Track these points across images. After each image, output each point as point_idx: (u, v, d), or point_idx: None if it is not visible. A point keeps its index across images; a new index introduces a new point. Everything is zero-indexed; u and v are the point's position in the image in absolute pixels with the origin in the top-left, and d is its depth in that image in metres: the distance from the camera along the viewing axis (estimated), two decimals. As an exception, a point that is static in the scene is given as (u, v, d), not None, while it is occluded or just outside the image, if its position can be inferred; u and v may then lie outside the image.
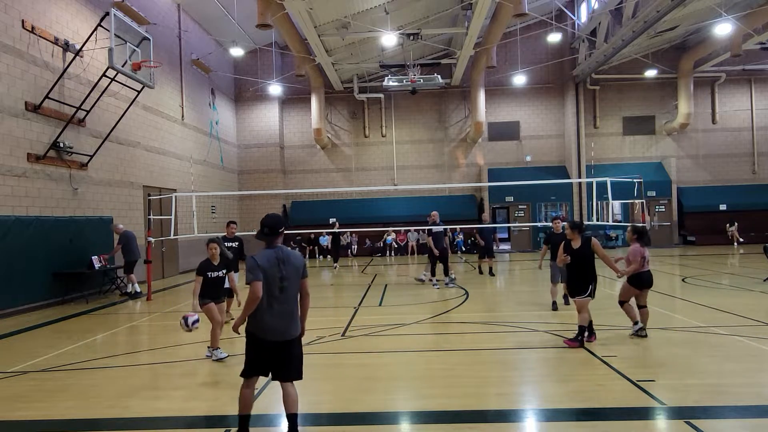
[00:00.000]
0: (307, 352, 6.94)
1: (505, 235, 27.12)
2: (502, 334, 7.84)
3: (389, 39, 18.77)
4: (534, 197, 24.35)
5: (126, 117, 14.13)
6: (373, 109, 25.58)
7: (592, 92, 25.02)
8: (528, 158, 25.34)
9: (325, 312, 10.05)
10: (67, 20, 12.66)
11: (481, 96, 23.37)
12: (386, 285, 13.63)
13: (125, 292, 12.83)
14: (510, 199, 24.61)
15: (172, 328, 9.29)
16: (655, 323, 7.96)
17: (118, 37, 11.57)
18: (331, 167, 25.69)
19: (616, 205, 23.30)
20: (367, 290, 12.84)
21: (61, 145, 12.03)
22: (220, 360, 6.61)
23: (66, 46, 12.44)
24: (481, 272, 15.29)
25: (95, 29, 12.28)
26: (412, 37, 18.80)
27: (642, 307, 7.23)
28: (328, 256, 21.59)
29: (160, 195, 14.90)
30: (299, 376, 4.19)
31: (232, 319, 8.43)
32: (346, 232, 23.36)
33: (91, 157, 13.09)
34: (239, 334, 4.35)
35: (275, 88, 23.67)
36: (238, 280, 7.86)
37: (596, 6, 21.04)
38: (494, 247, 16.27)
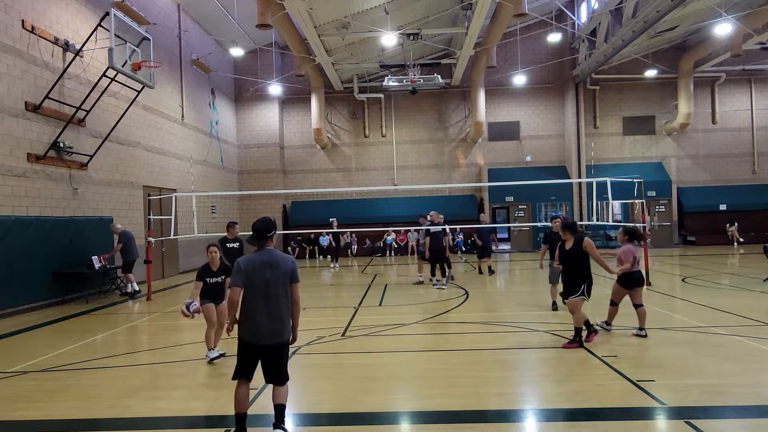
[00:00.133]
0: (307, 352, 6.96)
1: (505, 235, 27.14)
2: (502, 334, 7.84)
3: (389, 39, 18.77)
4: (534, 197, 24.35)
5: (126, 117, 14.13)
6: (373, 109, 25.58)
7: (592, 92, 25.02)
8: (528, 158, 25.34)
9: (325, 312, 10.05)
10: (67, 20, 12.67)
11: (481, 96, 23.37)
12: (386, 285, 13.62)
13: (125, 292, 12.84)
14: (510, 199, 24.61)
15: (172, 328, 9.30)
16: (655, 323, 7.96)
17: (118, 37, 11.57)
18: (331, 167, 25.69)
19: (616, 205, 23.31)
20: (367, 290, 12.83)
21: (61, 145, 12.03)
22: (211, 362, 6.49)
23: (66, 46, 12.44)
24: (480, 272, 15.32)
25: (95, 29, 12.28)
26: (412, 37, 18.80)
27: (638, 306, 7.25)
28: (328, 256, 21.59)
29: (160, 195, 14.91)
30: (285, 379, 4.27)
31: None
32: (346, 232, 23.37)
33: (91, 157, 13.09)
34: (229, 335, 4.40)
35: (275, 88, 23.68)
36: None
37: (596, 6, 21.04)
38: (493, 247, 16.29)
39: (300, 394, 5.32)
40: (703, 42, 22.80)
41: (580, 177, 23.87)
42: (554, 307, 9.41)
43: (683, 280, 13.07)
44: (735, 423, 4.43)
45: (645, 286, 11.55)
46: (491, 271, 15.13)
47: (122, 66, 11.82)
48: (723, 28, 18.29)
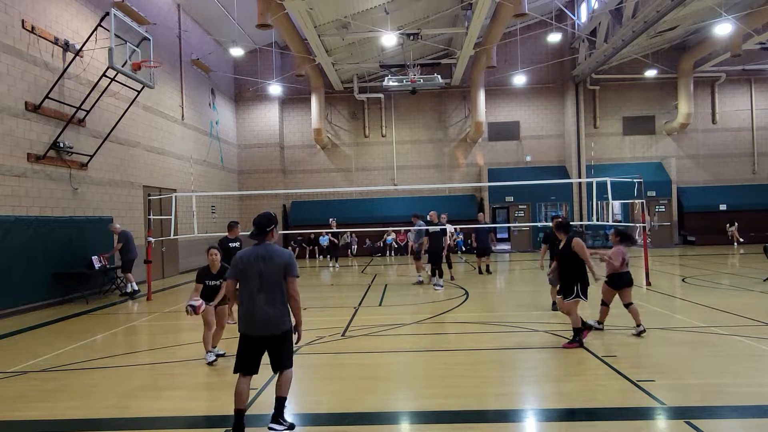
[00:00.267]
0: (307, 352, 6.96)
1: (505, 235, 27.13)
2: (501, 335, 7.84)
3: (389, 39, 18.77)
4: (534, 197, 24.34)
5: (126, 117, 14.13)
6: (373, 109, 25.58)
7: (592, 92, 25.02)
8: (528, 158, 25.34)
9: (325, 312, 10.05)
10: (67, 20, 12.67)
11: (481, 96, 23.37)
12: (386, 285, 13.62)
13: (125, 292, 12.84)
14: (510, 199, 24.61)
15: (172, 328, 9.30)
16: (655, 323, 7.98)
17: (118, 37, 11.57)
18: (331, 167, 25.69)
19: (616, 205, 23.31)
20: (367, 290, 12.83)
21: (61, 145, 12.03)
22: (210, 364, 6.47)
23: (66, 46, 12.44)
24: (480, 272, 15.37)
25: (95, 29, 12.28)
26: (412, 37, 18.80)
27: (629, 305, 7.33)
28: (328, 256, 21.61)
29: (160, 195, 14.91)
30: (289, 365, 4.36)
31: (234, 322, 8.39)
32: (346, 232, 23.36)
33: (91, 157, 13.09)
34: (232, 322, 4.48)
35: (275, 88, 23.68)
36: None
37: (596, 6, 21.04)
38: (493, 247, 16.34)
39: (300, 394, 5.32)
40: (703, 42, 22.80)
41: (580, 177, 23.87)
42: (554, 307, 9.40)
43: (683, 280, 13.07)
44: (735, 423, 4.43)
45: (646, 286, 11.66)
46: (488, 271, 15.34)
47: (122, 66, 11.83)
48: (723, 28, 18.29)
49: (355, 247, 24.30)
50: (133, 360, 6.99)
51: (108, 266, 13.00)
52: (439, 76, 19.20)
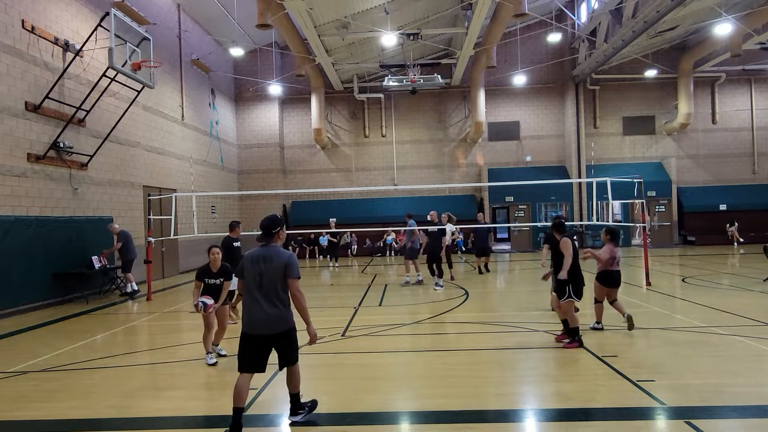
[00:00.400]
0: (308, 352, 6.96)
1: (505, 235, 27.13)
2: (501, 335, 7.84)
3: (389, 39, 18.77)
4: (534, 197, 24.35)
5: (126, 117, 14.14)
6: (373, 109, 25.58)
7: (592, 92, 25.02)
8: (528, 158, 25.35)
9: (325, 312, 10.04)
10: (67, 20, 12.67)
11: (481, 96, 23.37)
12: (386, 285, 13.62)
13: (125, 292, 12.84)
14: (510, 199, 24.61)
15: (172, 328, 9.30)
16: (655, 323, 7.99)
17: (118, 37, 11.57)
18: (331, 167, 25.69)
19: (616, 205, 23.32)
20: (367, 290, 12.84)
21: (61, 145, 12.03)
22: (210, 365, 6.46)
23: (66, 46, 12.44)
24: (480, 272, 15.39)
25: (95, 29, 12.28)
26: (412, 37, 18.80)
27: (614, 301, 7.64)
28: (328, 256, 21.60)
29: (160, 195, 14.91)
30: (293, 361, 4.47)
31: (235, 322, 8.40)
32: (346, 232, 23.36)
33: (91, 157, 13.09)
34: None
35: (275, 88, 23.68)
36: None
37: (596, 6, 21.04)
38: (493, 247, 16.43)
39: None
40: (703, 42, 22.80)
41: (580, 177, 23.87)
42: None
43: (683, 280, 13.06)
44: (735, 423, 4.43)
45: (646, 286, 11.66)
46: (487, 269, 15.50)
47: (122, 66, 11.83)
48: (723, 28, 18.29)
49: (355, 247, 24.30)
50: (133, 360, 6.99)
51: (108, 266, 13.00)
52: (439, 76, 19.20)
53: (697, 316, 8.52)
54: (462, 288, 12.54)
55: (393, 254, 23.82)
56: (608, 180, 13.10)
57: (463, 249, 23.50)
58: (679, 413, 4.53)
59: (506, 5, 15.75)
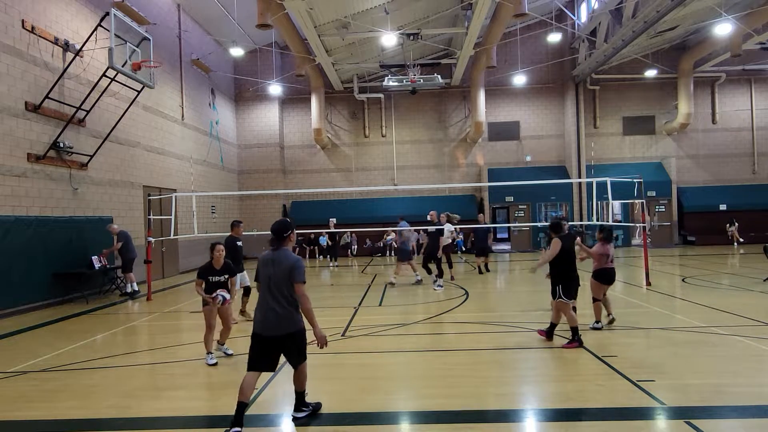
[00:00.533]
0: (307, 352, 6.97)
1: (506, 235, 27.13)
2: (501, 335, 7.84)
3: (389, 39, 18.77)
4: (534, 197, 24.34)
5: (126, 117, 14.14)
6: (373, 109, 25.58)
7: (592, 92, 25.02)
8: (528, 158, 25.34)
9: (325, 312, 10.04)
10: (67, 20, 12.67)
11: (481, 96, 23.37)
12: (386, 285, 13.62)
13: (125, 292, 12.84)
14: (510, 199, 24.61)
15: (172, 328, 9.31)
16: (655, 323, 7.99)
17: (118, 37, 11.57)
18: (331, 167, 25.69)
19: (616, 205, 23.30)
20: (367, 290, 12.84)
21: (61, 145, 12.03)
22: (210, 365, 6.45)
23: (66, 46, 12.44)
24: (480, 272, 15.40)
25: (95, 29, 12.28)
26: (412, 37, 18.80)
27: (603, 295, 7.92)
28: (328, 256, 21.61)
29: (160, 195, 14.90)
30: (301, 361, 4.60)
31: (236, 322, 8.39)
32: (346, 231, 23.35)
33: (91, 157, 13.09)
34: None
35: (275, 88, 23.68)
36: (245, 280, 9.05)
37: (596, 6, 21.04)
38: (493, 247, 16.47)
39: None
40: (703, 42, 22.80)
41: (580, 177, 23.86)
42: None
43: (683, 280, 13.06)
44: (735, 423, 4.43)
45: (646, 286, 11.66)
46: (487, 269, 15.53)
47: (122, 66, 11.82)
48: (723, 28, 18.28)
49: (355, 247, 24.30)
50: (133, 360, 6.99)
51: (108, 266, 13.00)
52: (439, 76, 19.19)
53: (697, 316, 8.52)
54: (462, 288, 12.54)
55: (393, 254, 23.81)
56: (608, 180, 13.10)
57: (463, 249, 23.51)
58: (679, 413, 4.53)
59: (506, 5, 15.76)
